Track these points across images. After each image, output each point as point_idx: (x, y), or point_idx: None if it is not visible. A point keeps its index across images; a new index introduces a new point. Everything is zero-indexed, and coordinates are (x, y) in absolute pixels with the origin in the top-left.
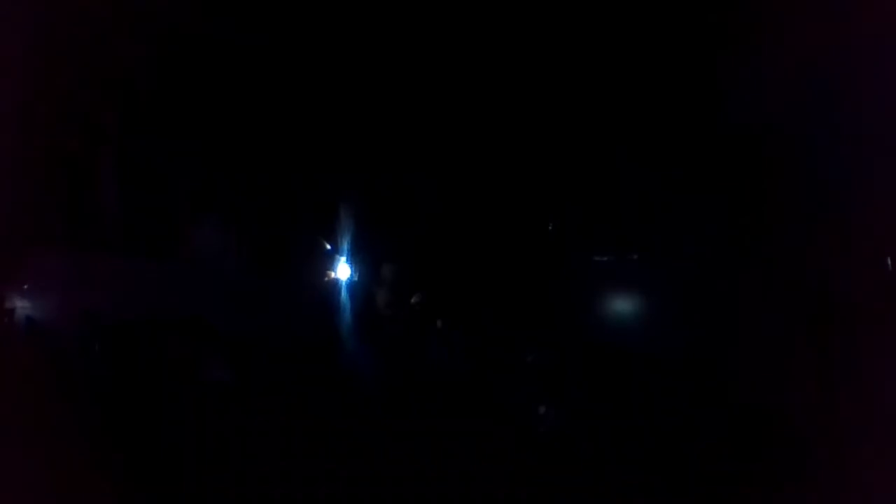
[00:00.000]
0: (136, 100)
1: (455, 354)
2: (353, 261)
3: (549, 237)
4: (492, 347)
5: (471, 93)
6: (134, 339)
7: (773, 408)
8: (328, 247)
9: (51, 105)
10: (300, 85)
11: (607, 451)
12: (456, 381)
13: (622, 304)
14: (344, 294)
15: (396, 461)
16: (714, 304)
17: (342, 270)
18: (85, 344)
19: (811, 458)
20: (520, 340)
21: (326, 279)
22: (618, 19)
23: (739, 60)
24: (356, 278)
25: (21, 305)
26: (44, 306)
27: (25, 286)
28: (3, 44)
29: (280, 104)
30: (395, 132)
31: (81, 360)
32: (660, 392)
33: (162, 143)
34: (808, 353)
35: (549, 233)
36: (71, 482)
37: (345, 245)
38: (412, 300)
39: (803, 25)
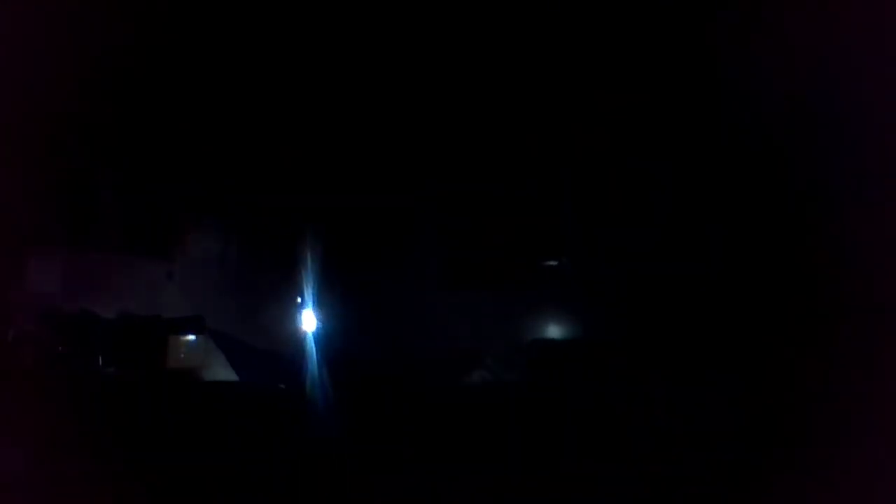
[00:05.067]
0: (135, 104)
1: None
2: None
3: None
4: None
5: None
6: (134, 339)
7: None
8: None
9: (52, 109)
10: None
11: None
12: None
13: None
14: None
15: None
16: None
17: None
18: (85, 344)
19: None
20: None
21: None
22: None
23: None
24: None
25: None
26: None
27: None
28: (3, 45)
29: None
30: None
31: (82, 360)
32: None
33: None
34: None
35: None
36: (71, 481)
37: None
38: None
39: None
